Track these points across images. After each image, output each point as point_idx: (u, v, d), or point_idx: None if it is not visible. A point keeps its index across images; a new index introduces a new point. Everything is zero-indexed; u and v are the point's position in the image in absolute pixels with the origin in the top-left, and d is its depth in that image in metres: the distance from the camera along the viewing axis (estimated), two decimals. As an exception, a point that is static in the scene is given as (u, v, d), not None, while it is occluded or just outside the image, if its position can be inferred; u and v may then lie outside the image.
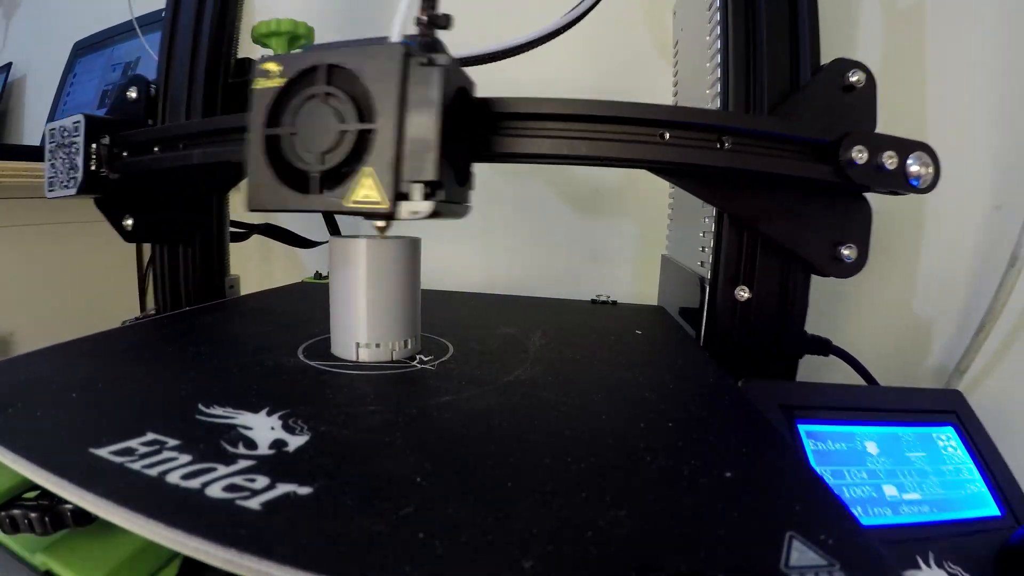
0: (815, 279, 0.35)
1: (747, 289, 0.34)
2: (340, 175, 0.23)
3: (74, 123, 0.37)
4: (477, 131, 0.28)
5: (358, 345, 0.28)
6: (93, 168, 0.37)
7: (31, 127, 1.02)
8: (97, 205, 0.40)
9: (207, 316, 0.40)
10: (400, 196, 0.23)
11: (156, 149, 0.37)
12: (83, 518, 0.18)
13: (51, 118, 0.90)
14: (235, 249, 0.51)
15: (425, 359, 0.29)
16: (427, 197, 0.23)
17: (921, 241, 0.54)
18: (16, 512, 0.18)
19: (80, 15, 0.89)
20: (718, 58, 0.35)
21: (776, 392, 0.30)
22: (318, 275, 0.61)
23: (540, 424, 0.21)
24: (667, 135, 0.28)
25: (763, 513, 0.15)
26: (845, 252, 0.32)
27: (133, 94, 0.41)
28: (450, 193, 0.24)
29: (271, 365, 0.28)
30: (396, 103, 0.22)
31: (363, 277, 0.28)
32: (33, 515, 0.18)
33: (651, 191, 0.62)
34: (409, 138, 0.22)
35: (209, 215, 0.46)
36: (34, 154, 0.62)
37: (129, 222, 0.41)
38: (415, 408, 0.23)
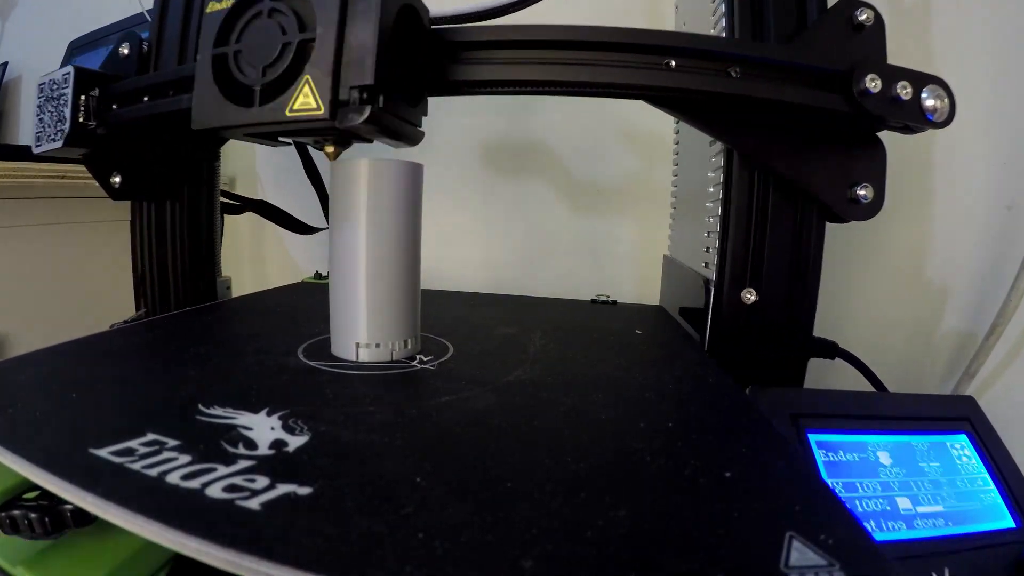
0: (822, 282, 0.34)
1: (754, 292, 0.33)
2: (281, 87, 0.23)
3: (64, 75, 0.37)
4: (433, 59, 0.27)
5: (358, 345, 0.28)
6: (81, 120, 0.37)
7: (27, 127, 1.02)
8: (85, 163, 0.40)
9: (207, 316, 0.40)
10: (339, 104, 0.23)
11: (146, 99, 0.36)
12: (83, 518, 0.18)
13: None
14: (228, 251, 0.50)
15: (425, 359, 0.29)
16: (364, 103, 0.22)
17: (931, 242, 0.53)
18: (16, 512, 0.18)
19: (76, 14, 0.89)
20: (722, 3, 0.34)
21: (785, 400, 0.29)
22: (318, 275, 0.61)
23: (540, 424, 0.21)
24: (673, 63, 0.27)
25: (763, 513, 0.15)
26: (861, 192, 0.30)
27: (125, 50, 0.41)
28: (396, 108, 0.24)
29: (271, 365, 0.28)
30: (337, 12, 0.22)
31: (362, 243, 0.27)
32: (33, 515, 0.18)
33: (652, 190, 0.63)
34: (348, 45, 0.22)
35: (198, 173, 0.45)
36: (29, 154, 0.61)
37: (117, 179, 0.40)
38: (415, 408, 0.23)
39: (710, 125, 0.31)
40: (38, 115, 0.38)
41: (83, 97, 0.37)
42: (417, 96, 0.27)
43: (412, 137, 0.27)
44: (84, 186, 0.65)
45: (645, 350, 0.35)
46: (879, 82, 0.27)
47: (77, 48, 0.84)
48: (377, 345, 0.29)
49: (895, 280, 0.54)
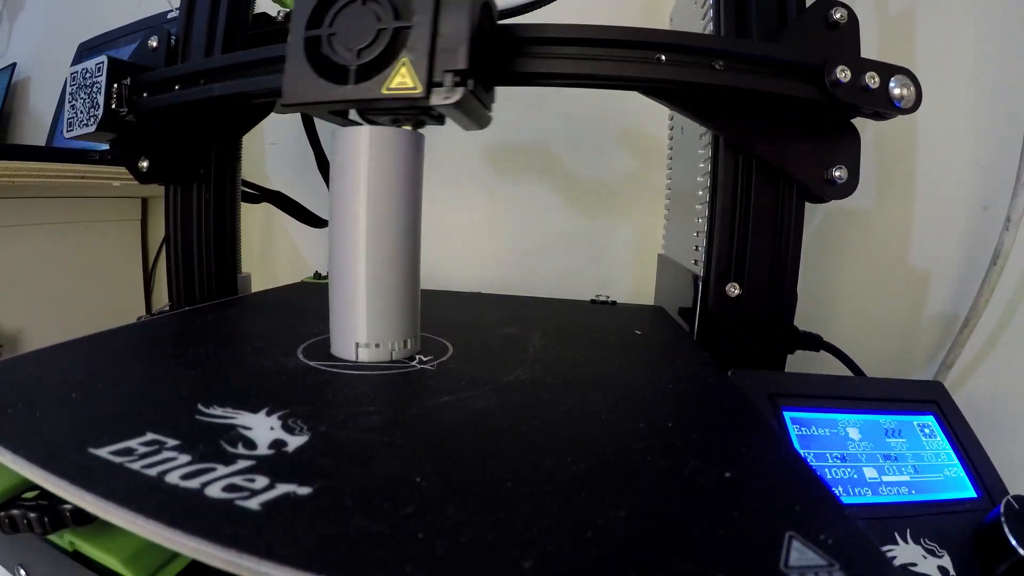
0: (806, 278, 0.36)
1: (737, 286, 0.36)
2: (376, 68, 0.25)
3: (97, 64, 0.39)
4: (497, 53, 0.30)
5: (358, 345, 0.28)
6: (113, 107, 0.39)
7: (35, 128, 1.02)
8: (112, 150, 0.42)
9: (207, 316, 0.40)
10: (433, 84, 0.25)
11: (177, 87, 0.38)
12: (83, 518, 0.18)
13: (55, 120, 0.91)
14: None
15: (425, 359, 0.29)
16: (457, 85, 0.25)
17: (910, 241, 0.55)
18: (16, 512, 0.18)
19: (85, 16, 0.89)
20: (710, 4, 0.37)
21: (764, 381, 0.31)
22: (318, 275, 0.61)
23: (540, 424, 0.21)
24: (663, 57, 0.30)
25: (763, 513, 0.15)
26: (836, 173, 0.33)
27: (154, 43, 0.43)
28: (478, 91, 0.26)
29: (271, 365, 0.28)
30: (432, 3, 0.25)
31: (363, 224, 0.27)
32: (33, 515, 0.18)
33: (649, 192, 0.63)
34: (442, 33, 0.25)
35: (222, 159, 0.47)
36: (40, 154, 0.62)
37: (144, 164, 0.42)
38: (415, 408, 0.23)
39: (700, 114, 0.34)
40: (70, 102, 0.40)
41: (115, 85, 0.39)
42: (490, 83, 0.29)
43: (483, 120, 0.30)
44: (99, 185, 0.66)
45: (645, 350, 0.35)
46: (848, 73, 0.30)
47: (88, 50, 0.84)
48: (377, 345, 0.29)
49: (878, 278, 0.56)
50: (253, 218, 0.77)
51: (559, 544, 0.13)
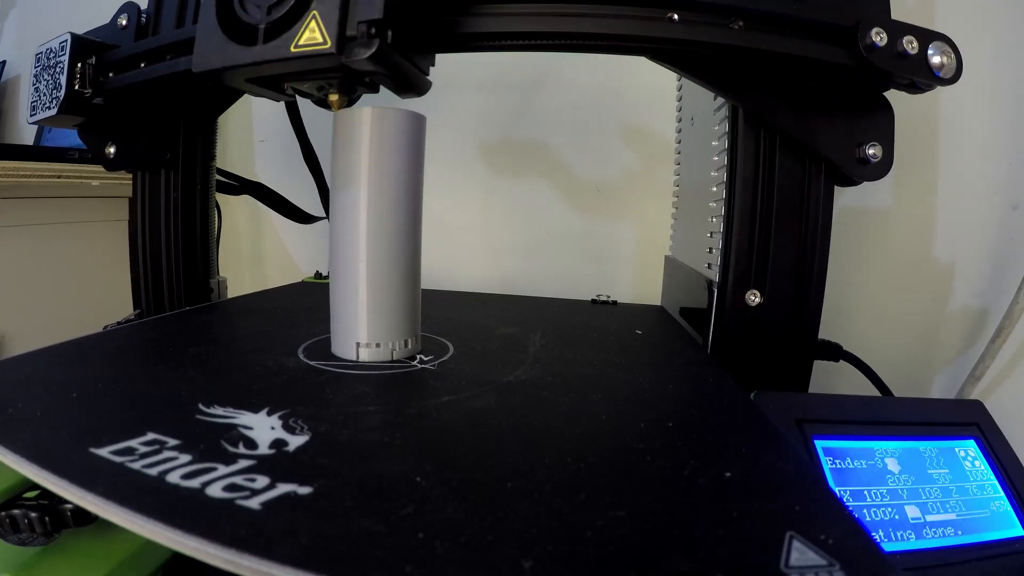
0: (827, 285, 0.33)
1: (758, 293, 0.33)
2: (286, 25, 0.23)
3: (61, 43, 0.37)
4: (443, 11, 0.27)
5: (358, 345, 0.28)
6: (77, 88, 0.36)
7: (25, 127, 1.02)
8: (80, 135, 0.40)
9: (207, 316, 0.40)
10: (346, 39, 0.22)
11: (143, 64, 0.36)
12: (83, 518, 0.18)
13: (46, 118, 0.90)
14: (227, 251, 0.50)
15: (425, 359, 0.29)
16: (373, 37, 0.22)
17: (935, 243, 0.52)
18: (16, 512, 0.18)
19: (74, 15, 0.89)
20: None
21: (790, 405, 0.29)
22: (318, 275, 0.61)
23: (540, 424, 0.21)
24: (675, 16, 0.26)
25: (763, 513, 0.15)
26: (870, 151, 0.30)
27: (124, 21, 0.40)
28: (404, 48, 0.23)
29: (271, 365, 0.28)
30: None
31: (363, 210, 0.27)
32: (33, 515, 0.18)
33: (653, 190, 0.63)
34: None
35: (192, 143, 0.45)
36: (28, 153, 0.61)
37: (112, 150, 0.40)
38: (415, 408, 0.23)
39: (714, 82, 0.30)
40: (34, 84, 0.38)
41: (79, 65, 0.37)
42: (426, 45, 0.27)
43: (420, 86, 0.27)
44: (81, 185, 0.65)
45: (645, 350, 0.35)
46: (885, 36, 0.26)
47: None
48: (377, 345, 0.29)
49: (900, 281, 0.54)
50: (242, 219, 0.77)
51: (559, 544, 0.13)
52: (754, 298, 0.33)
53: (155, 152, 0.43)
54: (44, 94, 0.38)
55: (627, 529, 0.14)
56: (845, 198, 0.53)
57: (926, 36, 0.27)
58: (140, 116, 0.41)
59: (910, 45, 0.27)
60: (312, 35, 0.22)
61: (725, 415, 0.24)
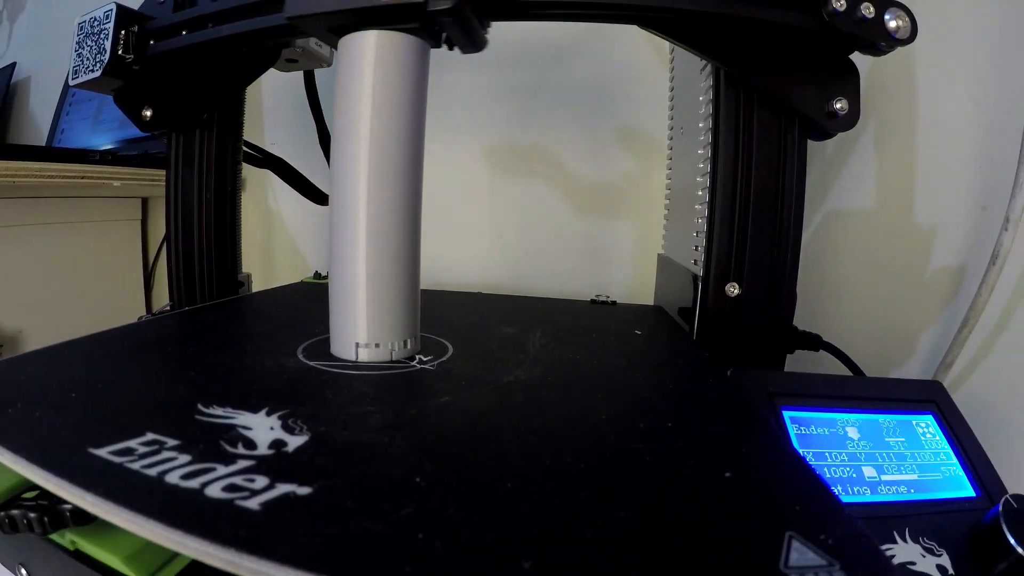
0: (805, 279, 0.35)
1: (736, 286, 0.36)
2: None
3: (105, 12, 0.40)
4: None
5: (357, 345, 0.28)
6: (120, 52, 0.39)
7: (35, 128, 1.02)
8: (117, 99, 0.42)
9: (207, 316, 0.40)
10: None
11: (184, 32, 0.39)
12: (83, 518, 0.18)
13: (56, 119, 0.91)
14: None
15: (425, 359, 0.29)
16: None
17: (910, 242, 0.55)
18: (15, 512, 0.18)
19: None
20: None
21: (763, 380, 0.31)
22: (317, 275, 0.61)
23: (540, 424, 0.21)
24: None
25: (763, 513, 0.15)
26: (838, 106, 0.33)
27: None
28: (475, 6, 0.27)
29: (270, 365, 0.28)
30: None
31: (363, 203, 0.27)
32: (32, 515, 0.18)
33: (649, 192, 0.63)
34: None
35: (225, 106, 0.48)
36: (40, 154, 0.62)
37: (148, 112, 0.43)
38: (415, 408, 0.23)
39: (703, 48, 0.34)
40: (76, 51, 0.41)
41: (123, 32, 0.39)
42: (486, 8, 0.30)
43: (480, 42, 0.30)
44: (99, 185, 0.67)
45: (645, 350, 0.35)
46: (844, 3, 0.30)
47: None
48: (377, 345, 0.29)
49: (877, 278, 0.57)
50: (255, 217, 0.77)
51: (559, 544, 0.13)
52: (733, 290, 0.36)
53: (192, 114, 0.45)
54: (87, 59, 0.40)
55: (627, 529, 0.14)
56: (831, 201, 0.56)
57: (882, 3, 0.31)
58: (175, 82, 0.43)
59: (867, 10, 0.31)
60: None
61: (725, 415, 0.24)
